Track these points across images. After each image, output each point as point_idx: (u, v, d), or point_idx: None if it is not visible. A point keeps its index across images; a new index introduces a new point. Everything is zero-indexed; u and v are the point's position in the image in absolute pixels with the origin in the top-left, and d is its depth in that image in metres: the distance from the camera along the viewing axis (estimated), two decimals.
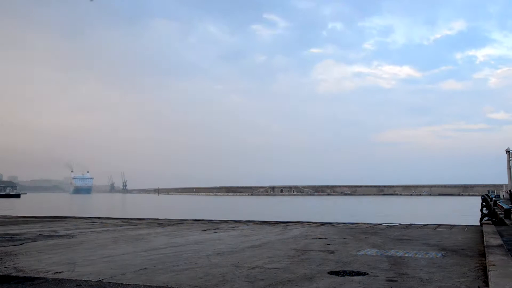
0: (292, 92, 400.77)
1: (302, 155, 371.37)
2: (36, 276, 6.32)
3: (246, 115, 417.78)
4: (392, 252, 8.51)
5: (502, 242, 8.81)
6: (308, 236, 11.54)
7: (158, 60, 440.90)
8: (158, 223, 16.36)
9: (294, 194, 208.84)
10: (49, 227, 14.87)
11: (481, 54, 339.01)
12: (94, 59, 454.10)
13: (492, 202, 38.44)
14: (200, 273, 6.49)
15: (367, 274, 6.37)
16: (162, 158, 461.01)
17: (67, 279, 6.11)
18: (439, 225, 14.86)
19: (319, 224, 15.67)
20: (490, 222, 15.63)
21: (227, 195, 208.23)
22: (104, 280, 6.00)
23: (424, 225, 15.20)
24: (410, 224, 15.32)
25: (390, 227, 14.31)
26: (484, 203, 50.02)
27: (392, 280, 5.92)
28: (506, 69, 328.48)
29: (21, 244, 10.07)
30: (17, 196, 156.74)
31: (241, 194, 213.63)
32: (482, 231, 11.47)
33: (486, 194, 72.11)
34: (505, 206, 22.98)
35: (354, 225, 15.13)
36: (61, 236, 11.83)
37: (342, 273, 6.42)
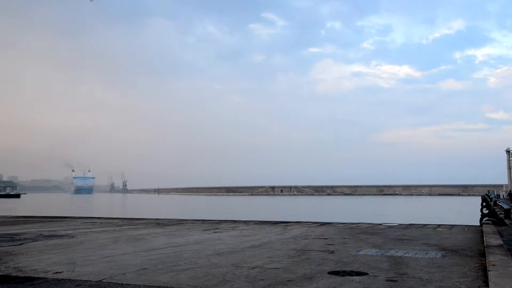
0: (291, 91, 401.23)
1: (302, 155, 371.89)
2: (36, 276, 6.32)
3: (246, 115, 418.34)
4: (392, 252, 8.51)
5: (502, 242, 8.82)
6: (308, 236, 11.54)
7: (157, 59, 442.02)
8: (158, 223, 16.36)
9: (294, 194, 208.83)
10: (49, 227, 14.87)
11: (480, 53, 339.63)
12: (93, 59, 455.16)
13: (492, 202, 38.46)
14: (200, 273, 6.49)
15: (367, 274, 6.37)
16: (162, 158, 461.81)
17: (67, 279, 6.11)
18: (439, 225, 14.86)
19: (319, 224, 15.67)
20: (490, 222, 15.64)
21: (227, 195, 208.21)
22: (104, 280, 6.00)
23: (424, 225, 15.20)
24: (410, 224, 15.32)
25: (390, 227, 14.30)
26: (484, 203, 50.06)
27: (392, 280, 5.92)
28: (505, 68, 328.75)
29: (21, 244, 10.07)
30: (17, 196, 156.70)
31: (241, 194, 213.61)
32: (482, 231, 11.47)
33: (486, 194, 72.17)
34: (505, 206, 22.99)
35: (354, 225, 15.13)
36: (61, 236, 11.83)
37: (342, 273, 6.42)
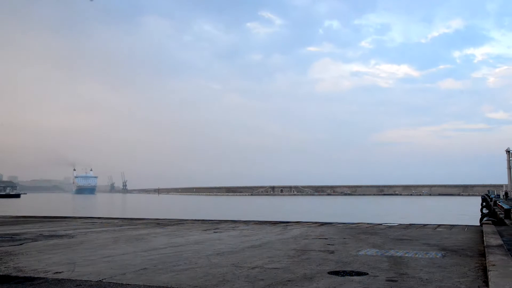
0: (290, 91, 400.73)
1: (302, 155, 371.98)
2: (36, 276, 6.33)
3: (246, 114, 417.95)
4: (392, 252, 8.51)
5: (502, 242, 8.82)
6: (308, 236, 11.54)
7: (154, 59, 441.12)
8: (158, 223, 16.36)
9: (294, 194, 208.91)
10: (49, 227, 14.87)
11: (479, 52, 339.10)
12: (92, 58, 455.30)
13: (492, 202, 38.46)
14: (200, 273, 6.49)
15: (367, 274, 6.37)
16: (162, 158, 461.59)
17: (67, 279, 6.11)
18: (439, 225, 14.86)
19: (319, 224, 15.67)
20: (490, 222, 15.63)
21: (227, 195, 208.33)
22: (104, 280, 6.00)
23: (424, 225, 15.21)
24: (410, 224, 15.33)
25: (390, 227, 14.31)
26: (484, 203, 50.07)
27: (392, 280, 5.92)
28: (504, 68, 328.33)
29: (21, 244, 10.07)
30: (17, 196, 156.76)
31: (241, 194, 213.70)
32: (482, 231, 11.47)
33: (486, 194, 72.25)
34: (505, 206, 22.97)
35: (354, 225, 15.13)
36: (61, 236, 11.83)
37: (342, 273, 6.42)
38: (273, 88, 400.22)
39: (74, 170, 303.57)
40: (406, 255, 8.20)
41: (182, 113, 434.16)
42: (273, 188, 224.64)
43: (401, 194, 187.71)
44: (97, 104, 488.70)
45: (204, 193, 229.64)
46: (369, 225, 15.23)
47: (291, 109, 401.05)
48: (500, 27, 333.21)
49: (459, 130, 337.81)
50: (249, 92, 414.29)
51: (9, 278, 6.19)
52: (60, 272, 6.59)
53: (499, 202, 32.26)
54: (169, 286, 5.68)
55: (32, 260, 7.75)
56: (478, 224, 20.08)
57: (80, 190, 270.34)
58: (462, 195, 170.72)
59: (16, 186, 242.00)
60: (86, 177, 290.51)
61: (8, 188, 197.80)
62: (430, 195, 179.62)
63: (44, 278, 6.19)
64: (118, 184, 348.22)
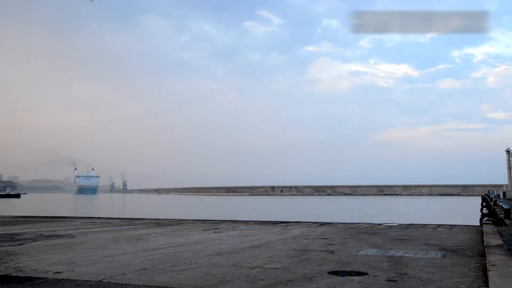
0: (289, 91, 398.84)
1: (302, 155, 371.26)
2: (36, 276, 6.33)
3: (245, 114, 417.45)
4: (392, 252, 8.52)
5: (502, 242, 8.82)
6: (308, 236, 11.54)
7: (153, 58, 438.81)
8: (158, 223, 16.36)
9: (294, 194, 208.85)
10: (49, 227, 14.87)
11: (479, 52, 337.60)
12: (90, 58, 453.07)
13: (492, 202, 38.46)
14: (200, 273, 6.49)
15: (367, 274, 6.37)
16: (162, 158, 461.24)
17: (67, 279, 6.12)
18: (439, 225, 14.86)
19: (319, 224, 15.68)
20: (490, 222, 15.63)
21: (227, 195, 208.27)
22: (104, 280, 6.00)
23: (424, 225, 15.21)
24: (410, 224, 15.33)
25: (390, 227, 14.31)
26: (484, 203, 50.03)
27: (392, 280, 5.92)
28: (504, 67, 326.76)
29: (21, 244, 10.07)
30: (17, 196, 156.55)
31: (241, 194, 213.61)
32: (482, 231, 11.47)
33: (486, 194, 72.20)
34: (505, 206, 22.96)
35: (354, 225, 15.13)
36: (61, 236, 11.83)
37: (342, 273, 6.43)
38: (272, 88, 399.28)
39: (75, 169, 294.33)
40: (406, 255, 8.20)
41: (181, 112, 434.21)
42: (273, 188, 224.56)
43: (401, 194, 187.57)
44: (96, 103, 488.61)
45: (204, 193, 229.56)
46: (369, 225, 15.24)
47: (290, 108, 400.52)
48: (499, 26, 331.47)
49: (459, 130, 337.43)
50: (248, 91, 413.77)
51: (9, 278, 6.19)
52: (60, 272, 6.59)
53: (499, 202, 32.25)
54: (169, 286, 5.68)
55: (32, 260, 7.76)
56: (478, 224, 20.07)
57: (82, 190, 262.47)
58: (462, 195, 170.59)
59: (16, 186, 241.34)
60: (87, 177, 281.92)
61: (8, 188, 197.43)
62: (430, 195, 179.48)
63: (44, 278, 6.19)
64: (118, 184, 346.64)
